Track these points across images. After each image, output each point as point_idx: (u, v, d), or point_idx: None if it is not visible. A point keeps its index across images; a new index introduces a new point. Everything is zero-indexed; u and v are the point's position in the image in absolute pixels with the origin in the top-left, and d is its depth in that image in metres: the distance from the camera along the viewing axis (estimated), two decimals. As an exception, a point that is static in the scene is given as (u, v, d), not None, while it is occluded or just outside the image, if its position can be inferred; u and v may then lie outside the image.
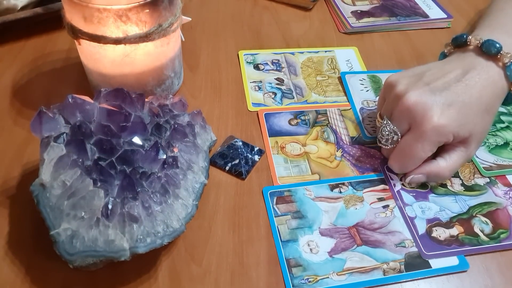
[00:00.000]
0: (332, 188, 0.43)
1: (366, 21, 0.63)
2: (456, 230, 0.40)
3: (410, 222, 0.40)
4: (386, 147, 0.43)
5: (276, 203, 0.41)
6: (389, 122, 0.42)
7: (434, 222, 0.40)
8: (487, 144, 0.47)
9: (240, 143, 0.46)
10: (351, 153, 0.46)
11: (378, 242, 0.39)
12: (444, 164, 0.42)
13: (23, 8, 0.56)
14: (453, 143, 0.41)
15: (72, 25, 0.43)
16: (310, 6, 0.65)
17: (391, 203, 0.42)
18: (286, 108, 0.50)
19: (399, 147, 0.42)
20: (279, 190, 0.42)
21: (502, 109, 0.51)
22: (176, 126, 0.39)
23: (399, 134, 0.41)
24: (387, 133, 0.42)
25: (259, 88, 0.52)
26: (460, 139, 0.41)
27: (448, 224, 0.40)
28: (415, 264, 0.37)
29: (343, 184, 0.43)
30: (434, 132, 0.39)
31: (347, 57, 0.57)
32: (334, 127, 0.48)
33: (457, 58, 0.44)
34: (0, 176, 0.42)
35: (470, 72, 0.42)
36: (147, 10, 0.41)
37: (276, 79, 0.54)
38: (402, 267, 0.37)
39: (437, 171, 0.42)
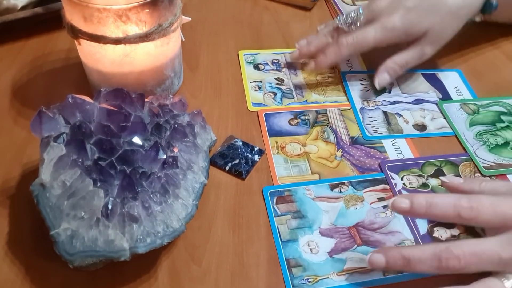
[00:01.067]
0: (332, 187, 0.43)
1: (366, 21, 0.63)
2: (457, 230, 0.40)
3: (411, 222, 0.40)
4: (343, 27, 0.50)
5: (276, 203, 0.41)
6: (361, 12, 0.49)
7: (435, 222, 0.40)
8: (487, 143, 0.47)
9: (240, 143, 0.46)
10: (351, 153, 0.46)
11: (378, 242, 0.39)
12: (397, 58, 0.49)
13: (23, 8, 0.56)
14: (411, 42, 0.49)
15: (72, 25, 0.43)
16: (310, 6, 0.65)
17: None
18: (286, 108, 0.50)
19: (357, 32, 0.49)
20: (279, 190, 0.42)
21: (502, 109, 0.51)
22: (176, 126, 0.39)
23: (359, 23, 0.49)
24: (353, 16, 0.50)
25: (259, 88, 0.52)
26: (415, 37, 0.48)
27: (449, 224, 0.40)
28: None
29: (343, 183, 0.43)
30: (388, 28, 0.48)
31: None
32: (334, 127, 0.48)
33: None
34: (0, 176, 0.42)
35: None
36: (147, 10, 0.41)
37: (276, 79, 0.54)
38: None
39: (392, 65, 0.49)
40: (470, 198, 0.34)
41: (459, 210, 0.33)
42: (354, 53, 0.50)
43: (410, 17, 0.47)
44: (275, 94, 0.52)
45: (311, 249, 0.38)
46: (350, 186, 0.43)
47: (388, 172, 0.44)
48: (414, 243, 0.39)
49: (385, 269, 0.35)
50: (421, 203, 0.34)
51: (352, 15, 0.50)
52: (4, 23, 0.54)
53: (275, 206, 0.41)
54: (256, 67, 0.55)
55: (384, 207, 0.41)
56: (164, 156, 0.37)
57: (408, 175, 0.44)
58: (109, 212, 0.33)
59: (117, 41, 0.42)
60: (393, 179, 0.43)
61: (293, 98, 0.51)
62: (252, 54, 0.57)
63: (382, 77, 0.49)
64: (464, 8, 0.49)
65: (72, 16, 0.42)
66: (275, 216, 0.40)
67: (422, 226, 0.40)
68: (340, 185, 0.43)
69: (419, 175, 0.44)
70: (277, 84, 0.53)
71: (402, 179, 0.43)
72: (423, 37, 0.48)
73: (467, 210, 0.33)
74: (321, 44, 0.52)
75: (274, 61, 0.56)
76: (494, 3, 0.50)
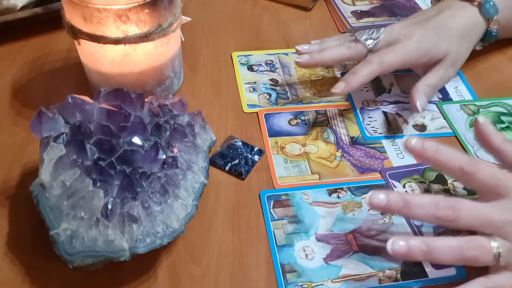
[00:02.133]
0: (331, 193, 0.42)
1: (366, 21, 0.63)
2: None
3: (417, 231, 0.40)
4: (364, 41, 0.48)
5: (273, 207, 0.41)
6: (381, 33, 0.49)
7: (441, 230, 0.40)
8: (487, 144, 0.47)
9: (240, 143, 0.46)
10: (351, 153, 0.46)
11: (374, 249, 0.38)
12: (427, 80, 0.49)
13: (23, 8, 0.56)
14: (432, 65, 0.49)
15: (72, 25, 0.43)
16: (310, 6, 0.65)
17: None
18: (286, 108, 0.50)
19: (382, 52, 0.48)
20: (276, 193, 0.42)
21: (502, 110, 0.51)
22: (176, 126, 0.39)
23: (377, 43, 0.48)
24: (372, 34, 0.49)
25: (254, 89, 0.52)
26: (436, 59, 0.49)
27: (454, 231, 0.39)
28: (411, 272, 0.37)
29: (342, 189, 0.43)
30: (411, 49, 0.48)
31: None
32: (334, 127, 0.48)
33: (437, 4, 0.53)
34: (0, 176, 0.42)
35: (446, 10, 0.50)
36: (147, 10, 0.41)
37: (270, 80, 0.54)
38: (398, 275, 0.37)
39: (425, 87, 0.48)
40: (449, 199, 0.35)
41: (439, 207, 0.34)
42: (382, 73, 0.48)
43: (429, 39, 0.48)
44: (270, 95, 0.52)
45: (306, 255, 0.38)
46: (348, 192, 0.42)
47: (389, 180, 0.44)
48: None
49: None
50: (397, 200, 0.35)
51: (372, 33, 0.49)
52: (4, 23, 0.54)
53: (271, 210, 0.41)
54: (250, 68, 0.55)
55: (382, 213, 0.41)
56: (164, 156, 0.37)
57: (410, 182, 0.43)
58: (108, 212, 0.33)
59: (117, 41, 0.42)
60: (395, 187, 0.43)
61: (288, 98, 0.51)
62: (245, 55, 0.57)
63: (422, 99, 0.47)
64: (470, 31, 0.50)
65: (72, 16, 0.42)
66: (271, 220, 0.40)
67: (429, 235, 0.39)
68: (338, 190, 0.42)
69: (421, 182, 0.44)
70: (271, 85, 0.53)
71: (404, 186, 0.43)
72: (444, 59, 0.49)
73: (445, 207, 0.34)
74: (336, 55, 0.49)
75: (267, 61, 0.56)
76: (494, 32, 0.51)
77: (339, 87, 0.46)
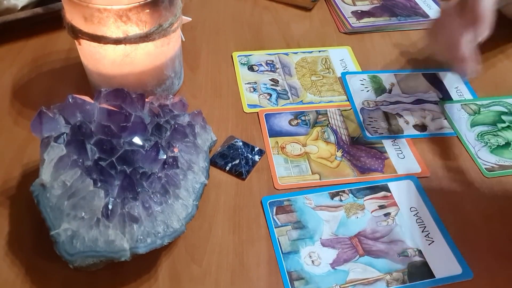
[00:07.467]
0: (333, 196, 0.42)
1: (366, 21, 0.63)
2: None
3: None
4: None
5: (276, 213, 0.41)
6: None
7: None
8: (488, 144, 0.47)
9: (241, 143, 0.46)
10: (352, 153, 0.46)
11: (380, 252, 0.38)
12: (471, 43, 0.46)
13: (23, 8, 0.56)
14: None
15: (72, 25, 0.43)
16: (310, 6, 0.65)
17: (392, 210, 0.41)
18: (286, 108, 0.50)
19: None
20: (278, 199, 0.42)
21: (503, 109, 0.51)
22: (176, 126, 0.39)
23: None
24: None
25: (254, 90, 0.52)
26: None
27: None
28: (419, 273, 0.37)
29: (343, 192, 0.42)
30: None
31: (341, 56, 0.57)
32: (334, 127, 0.48)
33: None
34: (0, 176, 0.42)
35: None
36: (147, 10, 0.41)
37: (270, 80, 0.54)
38: (406, 277, 0.37)
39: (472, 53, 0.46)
40: None
41: None
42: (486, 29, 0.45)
43: None
44: (270, 95, 0.52)
45: (313, 261, 0.38)
46: (350, 194, 0.42)
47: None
48: (416, 252, 0.38)
49: None
50: None
51: None
52: (4, 23, 0.54)
53: (275, 217, 0.40)
54: (250, 68, 0.55)
55: (385, 215, 0.41)
56: (165, 156, 0.36)
57: None
58: (109, 212, 0.33)
59: (117, 41, 0.42)
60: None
61: (289, 98, 0.51)
62: (246, 56, 0.57)
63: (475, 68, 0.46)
64: None
65: (73, 16, 0.42)
66: (275, 227, 0.40)
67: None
68: (340, 193, 0.42)
69: None
70: (272, 85, 0.53)
71: None
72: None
73: None
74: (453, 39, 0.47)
75: (268, 62, 0.56)
76: None
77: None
